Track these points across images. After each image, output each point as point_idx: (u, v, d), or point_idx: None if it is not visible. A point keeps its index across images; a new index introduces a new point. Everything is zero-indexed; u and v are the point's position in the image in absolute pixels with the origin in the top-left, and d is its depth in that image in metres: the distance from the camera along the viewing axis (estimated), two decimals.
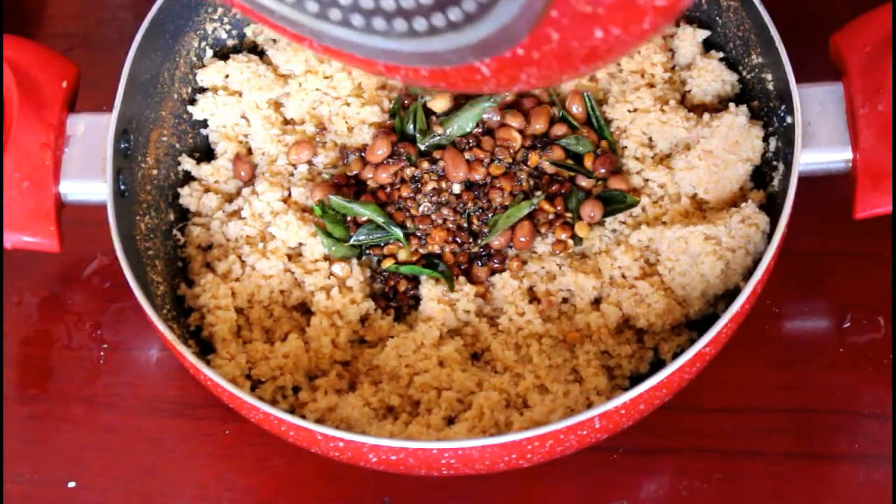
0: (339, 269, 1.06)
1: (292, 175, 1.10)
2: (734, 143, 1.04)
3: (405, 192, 1.06)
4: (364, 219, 1.06)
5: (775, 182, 1.03)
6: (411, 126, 1.08)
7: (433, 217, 1.05)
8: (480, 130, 1.07)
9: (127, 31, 1.09)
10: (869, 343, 1.07)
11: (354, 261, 1.06)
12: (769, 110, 1.06)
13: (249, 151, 1.12)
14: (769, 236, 1.00)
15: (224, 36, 1.15)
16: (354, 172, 1.09)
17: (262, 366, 1.02)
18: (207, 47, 1.14)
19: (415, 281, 1.06)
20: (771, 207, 1.03)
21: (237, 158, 1.11)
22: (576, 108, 1.08)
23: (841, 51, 1.04)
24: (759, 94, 1.07)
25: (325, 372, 1.04)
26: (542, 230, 1.06)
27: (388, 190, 1.07)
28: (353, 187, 1.09)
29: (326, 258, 1.07)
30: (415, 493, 1.04)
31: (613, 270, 1.04)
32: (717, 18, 1.10)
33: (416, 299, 1.06)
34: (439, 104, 1.08)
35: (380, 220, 1.06)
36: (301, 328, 1.06)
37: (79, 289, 1.15)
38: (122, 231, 1.01)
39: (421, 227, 1.05)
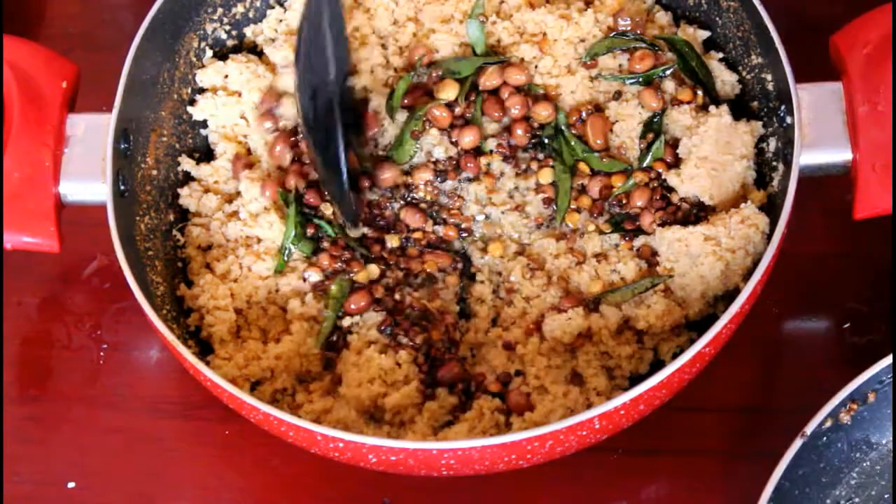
0: (311, 274, 1.05)
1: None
2: (725, 143, 1.04)
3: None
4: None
5: (775, 182, 1.03)
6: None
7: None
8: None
9: (127, 31, 1.09)
10: (869, 343, 1.07)
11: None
12: (769, 110, 1.05)
13: (249, 151, 1.12)
14: (769, 237, 1.00)
15: (224, 36, 1.15)
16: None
17: (254, 366, 1.02)
18: (207, 47, 1.14)
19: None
20: (771, 208, 1.03)
21: (237, 158, 1.11)
22: None
23: (841, 51, 1.04)
24: (759, 94, 1.07)
25: (318, 375, 1.04)
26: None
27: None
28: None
29: (307, 259, 1.06)
30: (415, 494, 1.04)
31: (613, 276, 1.04)
32: (717, 18, 1.10)
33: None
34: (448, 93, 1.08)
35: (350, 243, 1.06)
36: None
37: (79, 289, 1.15)
38: (122, 231, 1.01)
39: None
